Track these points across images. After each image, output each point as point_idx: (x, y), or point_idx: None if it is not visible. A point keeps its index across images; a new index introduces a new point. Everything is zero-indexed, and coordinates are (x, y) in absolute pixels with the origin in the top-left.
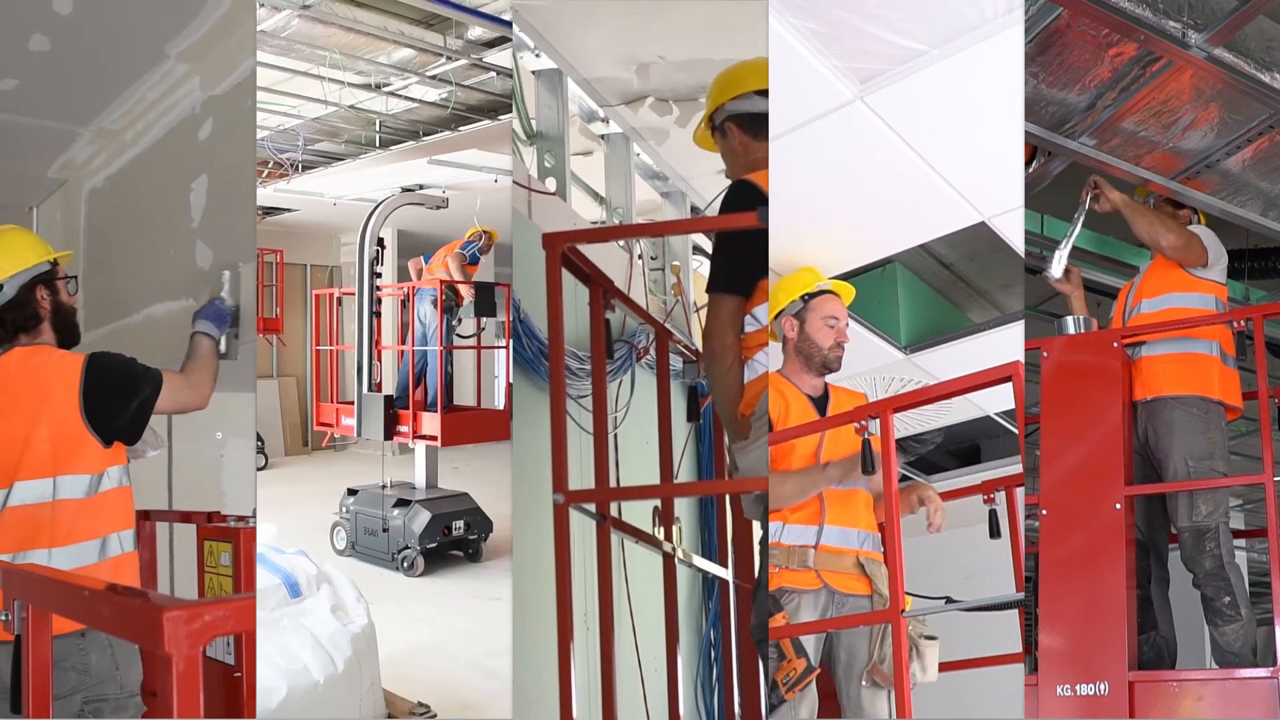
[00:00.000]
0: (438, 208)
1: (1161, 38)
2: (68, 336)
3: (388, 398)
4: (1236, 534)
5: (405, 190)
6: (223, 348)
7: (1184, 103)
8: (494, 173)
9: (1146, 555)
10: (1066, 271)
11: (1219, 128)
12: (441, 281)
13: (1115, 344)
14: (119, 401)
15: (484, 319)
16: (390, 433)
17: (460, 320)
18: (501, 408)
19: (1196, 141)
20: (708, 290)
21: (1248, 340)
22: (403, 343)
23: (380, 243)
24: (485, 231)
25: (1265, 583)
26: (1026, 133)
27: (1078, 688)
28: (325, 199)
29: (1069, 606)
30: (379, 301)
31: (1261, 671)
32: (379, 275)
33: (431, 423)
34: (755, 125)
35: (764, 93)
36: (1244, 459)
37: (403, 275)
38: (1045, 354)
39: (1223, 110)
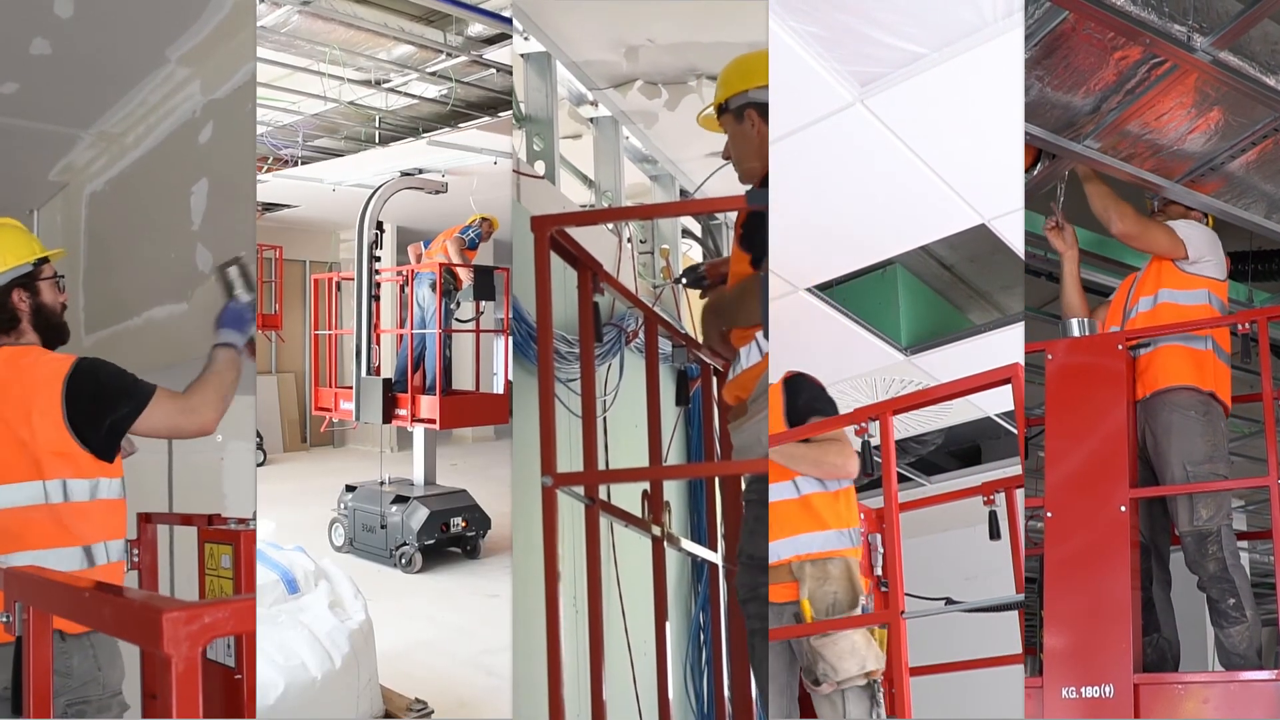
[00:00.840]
0: (437, 192)
1: (1167, 41)
2: (52, 337)
3: (386, 381)
4: (1240, 535)
5: (404, 174)
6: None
7: (1189, 106)
8: (493, 155)
9: (1148, 557)
10: (1060, 227)
11: (1223, 131)
12: (440, 265)
13: (1120, 346)
14: (95, 416)
15: (483, 303)
16: (388, 416)
17: (459, 304)
18: (500, 392)
19: (1200, 144)
20: (755, 265)
21: (1252, 343)
22: (401, 327)
23: (379, 226)
24: (485, 218)
25: (1269, 584)
26: (1031, 136)
27: (1083, 690)
28: (324, 185)
29: (1074, 609)
30: (378, 285)
31: (1266, 674)
32: (378, 259)
33: (430, 406)
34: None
35: None
36: (1246, 460)
37: (402, 262)
38: (1050, 356)
39: (1227, 113)
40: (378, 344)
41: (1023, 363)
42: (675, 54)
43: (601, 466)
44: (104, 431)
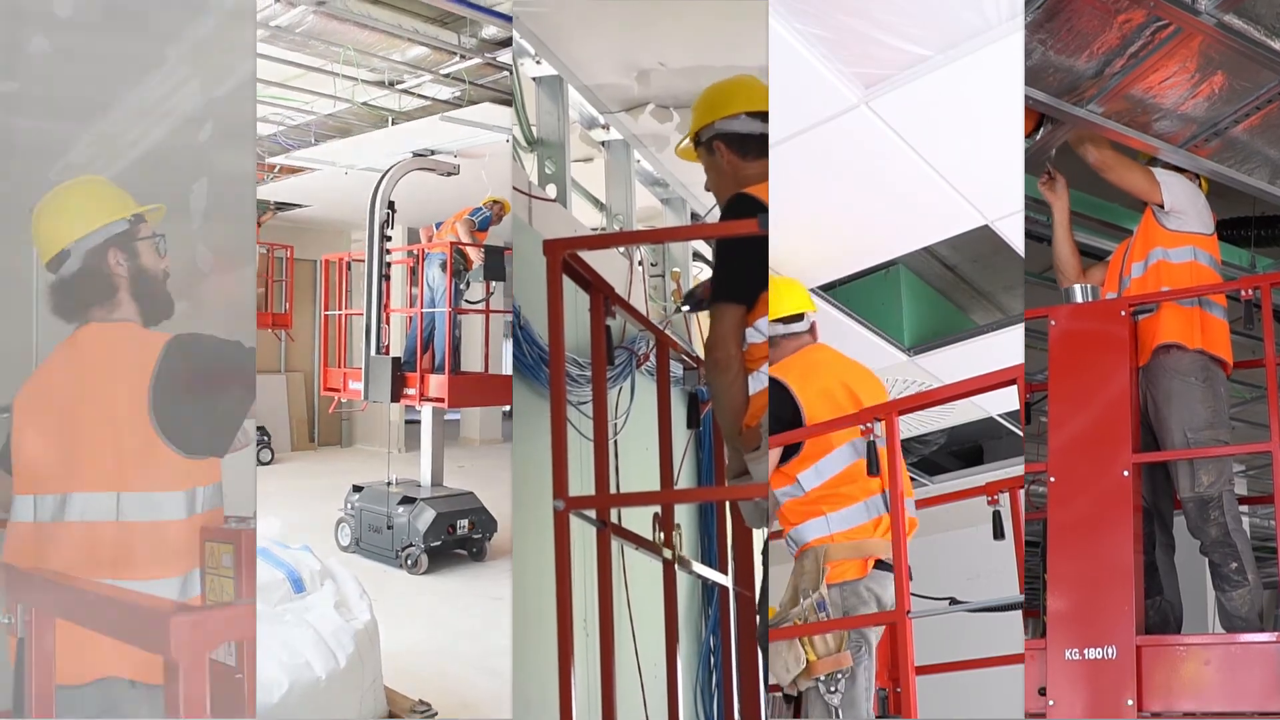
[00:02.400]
0: (449, 174)
1: (1171, 4)
2: (154, 310)
3: (395, 360)
4: (1241, 500)
5: (417, 155)
6: None
7: (1192, 70)
8: (505, 132)
9: (1151, 522)
10: (1052, 178)
11: (1227, 95)
12: (451, 244)
13: (1123, 312)
14: (198, 401)
15: (493, 283)
16: (397, 395)
17: (469, 284)
18: (508, 372)
19: (1204, 109)
20: (710, 301)
21: (1255, 308)
22: (411, 307)
23: (391, 206)
24: (496, 200)
25: (1270, 548)
26: (1033, 100)
27: (1086, 651)
28: (337, 168)
29: (1077, 572)
30: (388, 266)
31: (1266, 636)
32: (389, 239)
33: (439, 385)
34: (744, 145)
35: (753, 114)
36: (1247, 425)
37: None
38: (1053, 322)
39: (1231, 77)
40: (388, 323)
41: (1023, 361)
42: (687, 77)
43: (612, 490)
44: (216, 418)
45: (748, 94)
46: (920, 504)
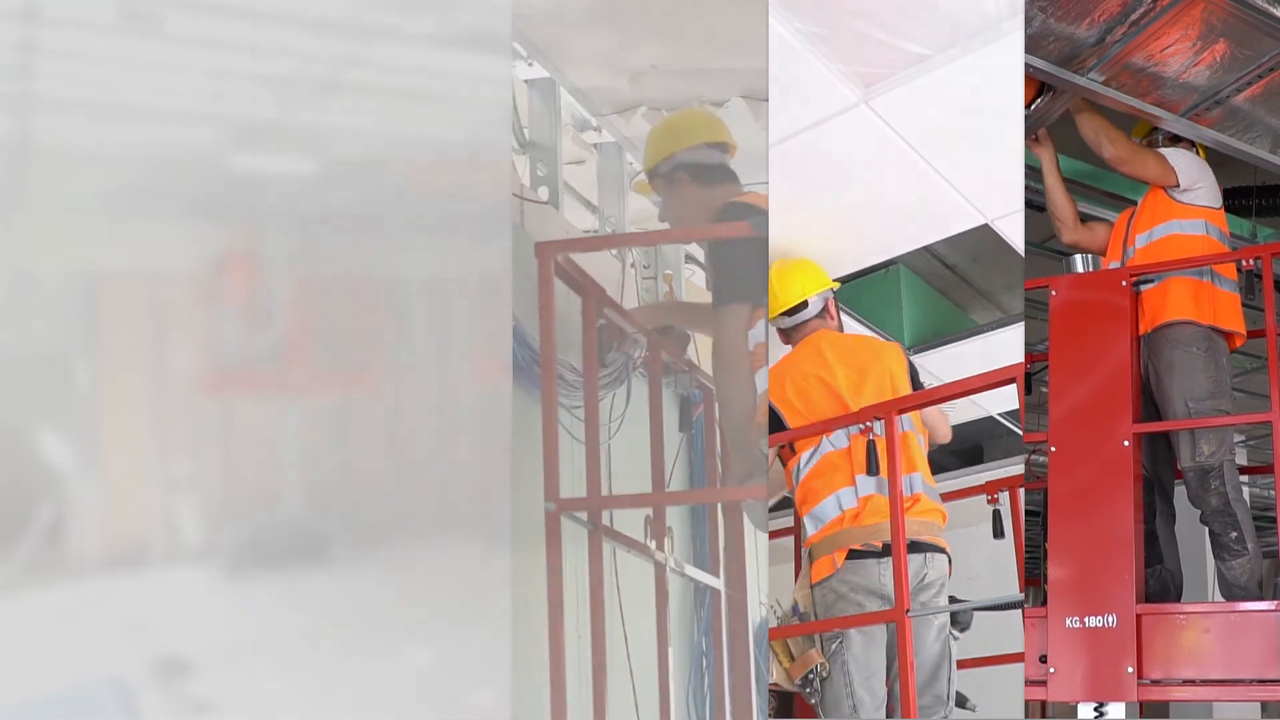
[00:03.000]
0: None
1: None
2: None
3: None
4: (1241, 470)
5: None
6: None
7: (1194, 38)
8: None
9: (1152, 491)
10: (1038, 140)
11: (1229, 63)
12: None
13: (1124, 282)
14: None
15: None
16: None
17: None
18: None
19: (1206, 77)
20: (716, 303)
21: (1256, 279)
22: None
23: None
24: None
25: (1269, 517)
26: (1033, 69)
27: (1086, 620)
28: None
29: (1078, 541)
30: None
31: (1265, 605)
32: None
33: None
34: (708, 174)
35: (713, 144)
36: (1247, 395)
37: None
38: (1054, 292)
39: (1233, 45)
40: None
41: (1023, 361)
42: (680, 80)
43: (604, 492)
44: None
45: (706, 126)
46: None
